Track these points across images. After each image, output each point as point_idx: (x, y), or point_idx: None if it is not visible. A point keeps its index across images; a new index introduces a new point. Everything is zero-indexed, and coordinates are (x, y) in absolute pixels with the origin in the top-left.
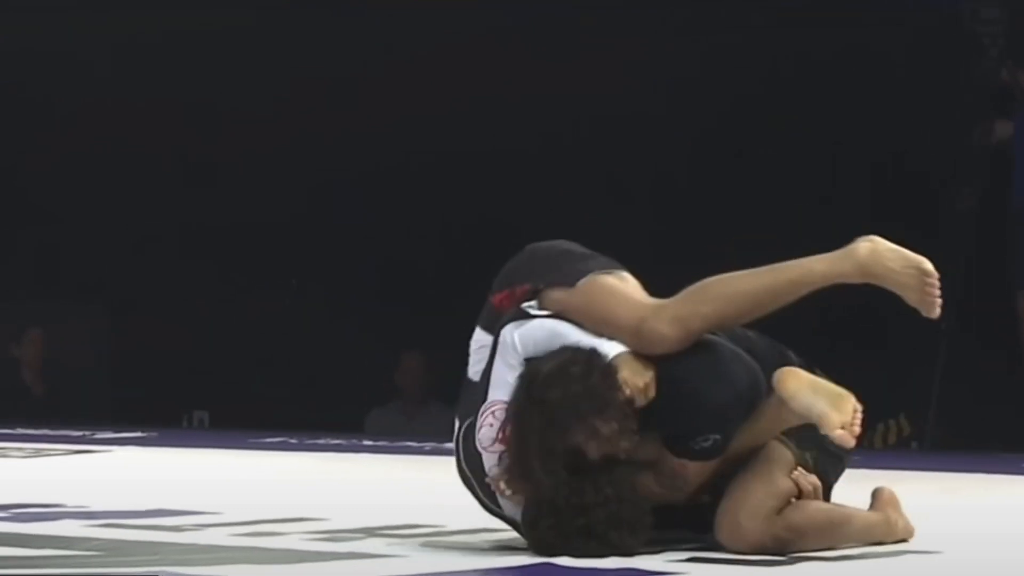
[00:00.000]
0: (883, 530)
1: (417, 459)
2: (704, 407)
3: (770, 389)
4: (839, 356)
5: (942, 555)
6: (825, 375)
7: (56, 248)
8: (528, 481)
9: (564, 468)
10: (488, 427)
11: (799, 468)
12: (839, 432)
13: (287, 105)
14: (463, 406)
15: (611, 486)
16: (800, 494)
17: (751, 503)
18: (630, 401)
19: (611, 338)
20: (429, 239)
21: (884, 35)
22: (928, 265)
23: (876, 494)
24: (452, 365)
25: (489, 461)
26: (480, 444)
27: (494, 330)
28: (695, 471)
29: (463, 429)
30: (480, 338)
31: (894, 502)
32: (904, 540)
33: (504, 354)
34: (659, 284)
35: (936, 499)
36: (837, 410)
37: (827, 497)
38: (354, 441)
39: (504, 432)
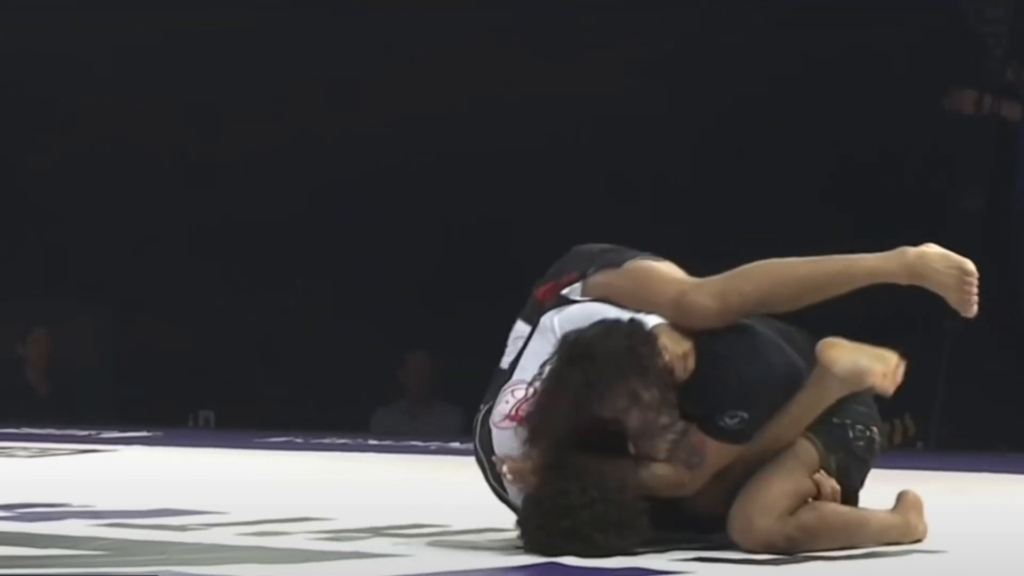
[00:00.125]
0: (900, 532)
1: (422, 458)
2: (737, 382)
3: (813, 364)
4: None
5: (947, 555)
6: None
7: (60, 248)
8: (536, 446)
9: (581, 447)
10: (504, 404)
11: (821, 471)
12: (881, 379)
13: (287, 105)
14: (489, 392)
15: (597, 488)
16: (819, 495)
17: (766, 500)
18: (670, 371)
19: (651, 314)
20: (429, 239)
21: (886, 35)
22: (969, 265)
23: (901, 496)
24: (457, 364)
25: (498, 438)
26: (492, 420)
27: (534, 320)
28: (714, 452)
29: (484, 412)
30: (519, 329)
31: (918, 506)
32: (918, 541)
33: (541, 337)
34: None
35: (941, 499)
36: (881, 362)
37: (854, 501)
38: (359, 441)
39: (525, 400)
